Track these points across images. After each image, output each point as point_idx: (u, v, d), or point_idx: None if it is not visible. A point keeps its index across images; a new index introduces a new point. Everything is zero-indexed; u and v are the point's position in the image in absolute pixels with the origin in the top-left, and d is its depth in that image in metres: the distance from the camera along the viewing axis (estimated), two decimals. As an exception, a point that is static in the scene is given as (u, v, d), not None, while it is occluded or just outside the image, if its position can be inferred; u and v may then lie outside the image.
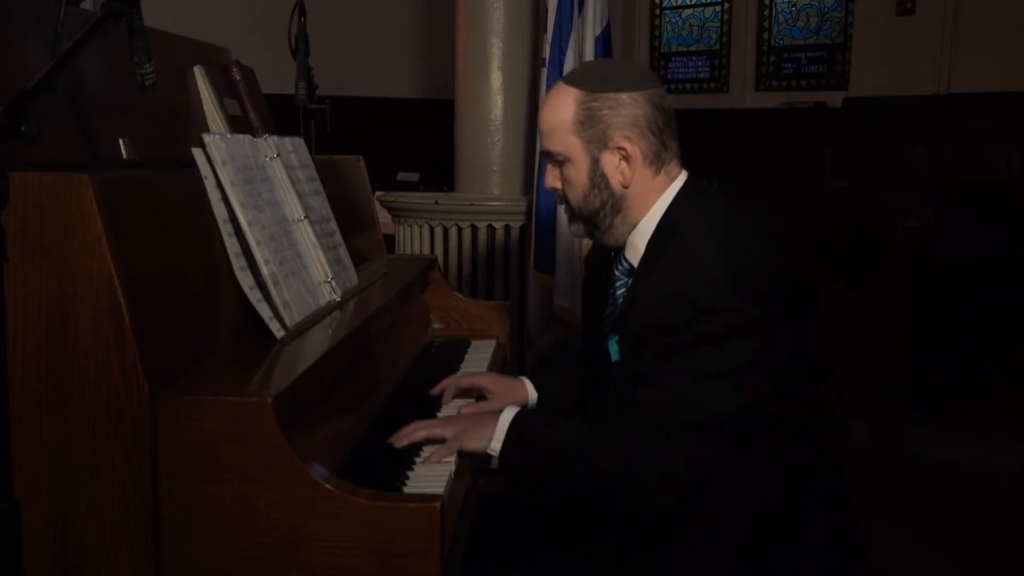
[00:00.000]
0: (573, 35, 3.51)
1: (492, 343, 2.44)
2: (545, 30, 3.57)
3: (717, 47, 7.59)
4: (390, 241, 3.55)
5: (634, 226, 1.70)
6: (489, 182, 3.95)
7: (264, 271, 1.60)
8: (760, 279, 1.58)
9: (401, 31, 7.42)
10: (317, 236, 1.86)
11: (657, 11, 7.90)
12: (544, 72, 3.57)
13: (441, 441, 1.64)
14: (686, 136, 1.73)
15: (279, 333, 1.60)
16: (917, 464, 3.89)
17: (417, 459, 1.60)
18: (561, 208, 1.83)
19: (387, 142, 6.64)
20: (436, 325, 2.56)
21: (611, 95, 1.64)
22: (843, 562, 1.66)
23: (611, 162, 1.66)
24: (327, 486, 1.29)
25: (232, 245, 1.57)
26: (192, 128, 2.10)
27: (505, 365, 2.39)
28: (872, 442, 4.14)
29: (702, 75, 7.63)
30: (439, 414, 1.86)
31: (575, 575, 1.66)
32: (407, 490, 1.49)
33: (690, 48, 7.73)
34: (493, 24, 3.85)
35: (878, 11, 6.53)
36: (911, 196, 4.30)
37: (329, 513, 1.29)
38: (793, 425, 1.62)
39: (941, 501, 3.50)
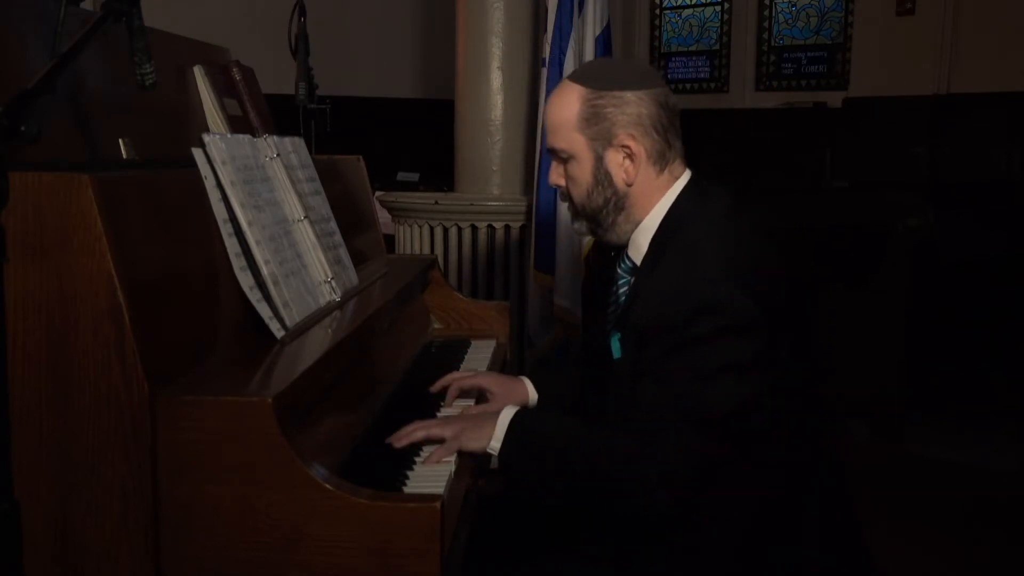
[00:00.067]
0: (573, 35, 3.51)
1: (492, 343, 2.44)
2: (545, 30, 3.57)
3: (717, 47, 7.59)
4: (390, 241, 3.55)
5: (637, 224, 1.70)
6: (489, 182, 3.95)
7: (264, 271, 1.60)
8: (762, 278, 1.59)
9: (401, 31, 7.42)
10: (317, 236, 1.86)
11: (657, 11, 7.90)
12: (544, 72, 3.57)
13: (441, 441, 1.64)
14: (686, 136, 1.73)
15: (279, 333, 1.60)
16: (917, 464, 3.89)
17: (417, 459, 1.60)
18: (564, 205, 1.83)
19: (387, 142, 6.64)
20: (436, 325, 2.56)
21: (616, 93, 1.65)
22: (843, 562, 1.66)
23: (615, 160, 1.67)
24: (327, 486, 1.29)
25: (232, 245, 1.57)
26: (192, 128, 2.10)
27: (505, 365, 2.39)
28: (872, 442, 4.14)
29: (702, 75, 7.63)
30: (439, 414, 1.86)
31: (575, 575, 1.66)
32: (407, 490, 1.49)
33: (690, 48, 7.73)
34: (493, 24, 3.85)
35: (878, 11, 6.53)
36: (911, 196, 4.30)
37: (329, 513, 1.29)
38: (793, 425, 1.62)
39: (941, 501, 3.50)
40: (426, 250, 3.92)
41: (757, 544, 1.60)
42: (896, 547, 2.95)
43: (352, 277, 2.02)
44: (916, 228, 4.08)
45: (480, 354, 2.34)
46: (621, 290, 1.75)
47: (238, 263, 1.57)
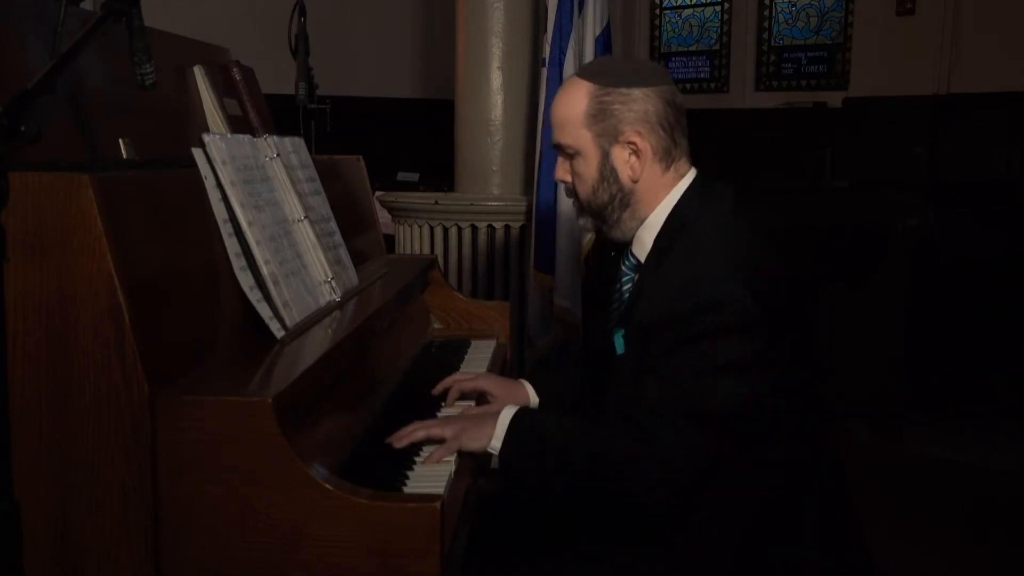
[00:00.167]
0: (573, 35, 3.51)
1: (492, 343, 2.44)
2: (545, 30, 3.57)
3: (717, 47, 7.59)
4: (390, 241, 3.55)
5: (642, 221, 1.71)
6: (489, 182, 3.95)
7: (264, 271, 1.60)
8: (764, 278, 1.59)
9: (401, 31, 7.42)
10: (317, 236, 1.86)
11: (657, 11, 7.90)
12: (544, 72, 3.57)
13: (441, 441, 1.64)
14: (686, 136, 1.73)
15: (279, 333, 1.60)
16: (917, 464, 3.89)
17: (417, 459, 1.60)
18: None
19: (387, 142, 6.65)
20: (436, 325, 2.56)
21: (623, 90, 1.65)
22: (843, 562, 1.66)
23: (621, 156, 1.67)
24: (327, 486, 1.29)
25: (232, 245, 1.57)
26: (192, 128, 2.10)
27: (505, 365, 2.39)
28: (872, 442, 4.14)
29: (702, 75, 7.63)
30: (440, 415, 1.86)
31: (575, 575, 1.66)
32: (407, 490, 1.49)
33: (690, 48, 7.73)
34: (493, 24, 3.85)
35: (878, 11, 6.53)
36: (911, 196, 4.30)
37: (329, 513, 1.29)
38: (793, 425, 1.62)
39: (941, 501, 3.50)
40: (426, 250, 3.91)
41: (757, 544, 1.60)
42: (896, 547, 2.95)
43: (352, 277, 2.02)
44: (916, 228, 4.08)
45: (480, 354, 2.34)
46: (625, 287, 1.75)
47: (238, 263, 1.57)
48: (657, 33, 7.91)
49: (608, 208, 1.71)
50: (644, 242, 1.71)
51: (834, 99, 6.79)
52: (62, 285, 1.28)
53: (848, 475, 1.72)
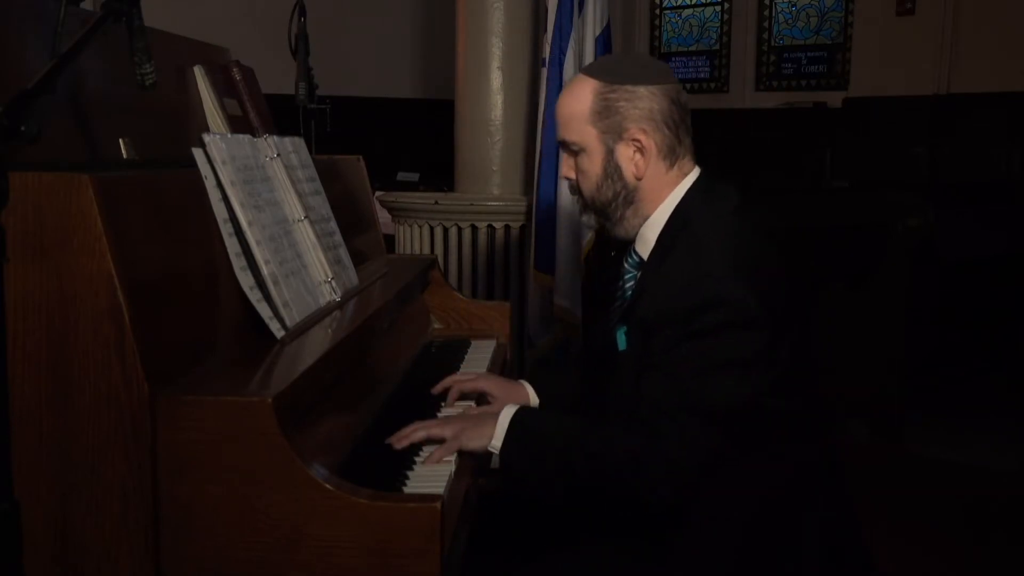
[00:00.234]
0: (573, 35, 3.51)
1: (492, 343, 2.44)
2: (545, 30, 3.57)
3: (717, 47, 7.59)
4: (390, 241, 3.55)
5: (645, 219, 1.71)
6: (489, 182, 3.95)
7: (264, 271, 1.60)
8: (766, 277, 1.59)
9: (401, 31, 7.42)
10: (317, 236, 1.86)
11: (657, 11, 7.90)
12: (544, 72, 3.57)
13: (441, 441, 1.64)
14: (686, 136, 1.73)
15: (279, 333, 1.60)
16: (917, 464, 3.89)
17: (417, 459, 1.60)
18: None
19: (387, 142, 6.65)
20: (436, 325, 2.56)
21: (629, 87, 1.66)
22: (843, 562, 1.66)
23: (625, 154, 1.67)
24: (327, 486, 1.29)
25: (232, 245, 1.57)
26: (192, 128, 2.10)
27: (505, 365, 2.39)
28: (872, 442, 4.14)
29: (702, 75, 7.63)
30: (440, 414, 1.86)
31: (575, 575, 1.66)
32: (407, 490, 1.49)
33: (690, 48, 7.73)
34: (493, 24, 3.85)
35: (878, 11, 6.53)
36: (911, 196, 4.30)
37: (329, 513, 1.29)
38: (793, 425, 1.62)
39: (941, 501, 3.50)
40: (426, 250, 3.91)
41: (757, 544, 1.60)
42: (896, 547, 2.95)
43: (352, 277, 2.02)
44: (916, 228, 4.08)
45: (480, 354, 2.34)
46: (627, 284, 1.75)
47: (238, 263, 1.57)
48: (657, 33, 7.91)
49: (612, 205, 1.71)
50: (647, 240, 1.71)
51: (834, 99, 6.79)
52: (62, 285, 1.28)
53: (848, 475, 1.72)
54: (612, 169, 1.69)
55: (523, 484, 1.67)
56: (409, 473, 1.55)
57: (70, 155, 1.65)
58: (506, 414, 1.65)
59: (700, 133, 1.75)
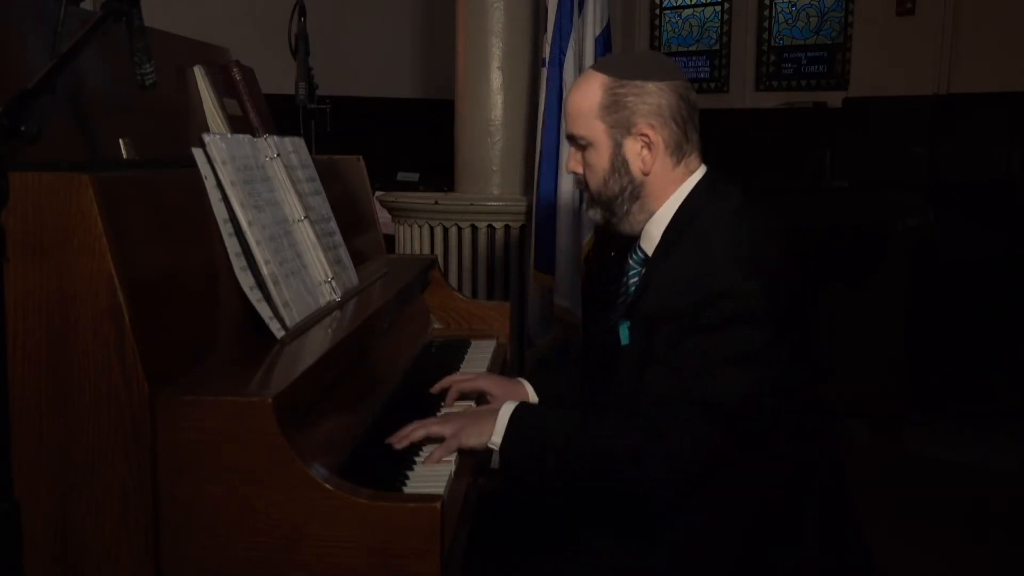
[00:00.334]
0: (573, 35, 3.51)
1: (492, 343, 2.44)
2: (545, 30, 3.57)
3: (717, 47, 7.60)
4: (390, 241, 3.55)
5: (651, 215, 1.71)
6: (489, 182, 3.95)
7: (264, 271, 1.60)
8: (771, 274, 1.59)
9: (401, 31, 7.42)
10: (317, 236, 1.86)
11: (657, 11, 7.90)
12: (544, 72, 3.57)
13: (440, 440, 1.64)
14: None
15: (279, 333, 1.60)
16: (917, 464, 3.89)
17: (417, 459, 1.60)
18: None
19: (387, 142, 6.65)
20: (436, 325, 2.56)
21: (638, 83, 1.66)
22: (843, 562, 1.66)
23: (633, 148, 1.68)
24: (327, 486, 1.29)
25: (232, 245, 1.57)
26: (192, 128, 2.10)
27: (505, 365, 2.39)
28: (872, 442, 4.14)
29: (702, 75, 7.63)
30: (439, 414, 1.85)
31: (575, 575, 1.66)
32: (407, 490, 1.49)
33: (690, 48, 7.74)
34: (493, 24, 3.85)
35: (878, 11, 6.53)
36: (911, 196, 4.30)
37: (329, 513, 1.29)
38: (794, 425, 1.62)
39: (941, 501, 3.50)
40: (426, 250, 3.91)
41: (757, 544, 1.60)
42: (896, 547, 2.95)
43: (352, 277, 2.02)
44: (916, 228, 4.08)
45: (480, 354, 2.34)
46: (632, 280, 1.76)
47: (238, 263, 1.57)
48: (657, 33, 7.91)
49: (618, 200, 1.71)
50: (652, 236, 1.71)
51: (834, 99, 6.79)
52: (62, 285, 1.28)
53: (848, 475, 1.72)
54: (619, 164, 1.69)
55: (523, 481, 1.67)
56: (409, 473, 1.55)
57: (70, 155, 1.65)
58: (505, 410, 1.64)
59: (700, 133, 1.76)
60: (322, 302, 1.81)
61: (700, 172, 1.72)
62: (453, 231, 3.87)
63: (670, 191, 1.70)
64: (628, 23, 7.81)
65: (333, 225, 2.00)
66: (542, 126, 3.57)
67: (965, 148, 6.07)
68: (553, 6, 3.51)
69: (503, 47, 3.86)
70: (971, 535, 3.22)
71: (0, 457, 1.13)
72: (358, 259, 2.16)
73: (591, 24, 3.54)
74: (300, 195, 1.85)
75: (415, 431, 1.65)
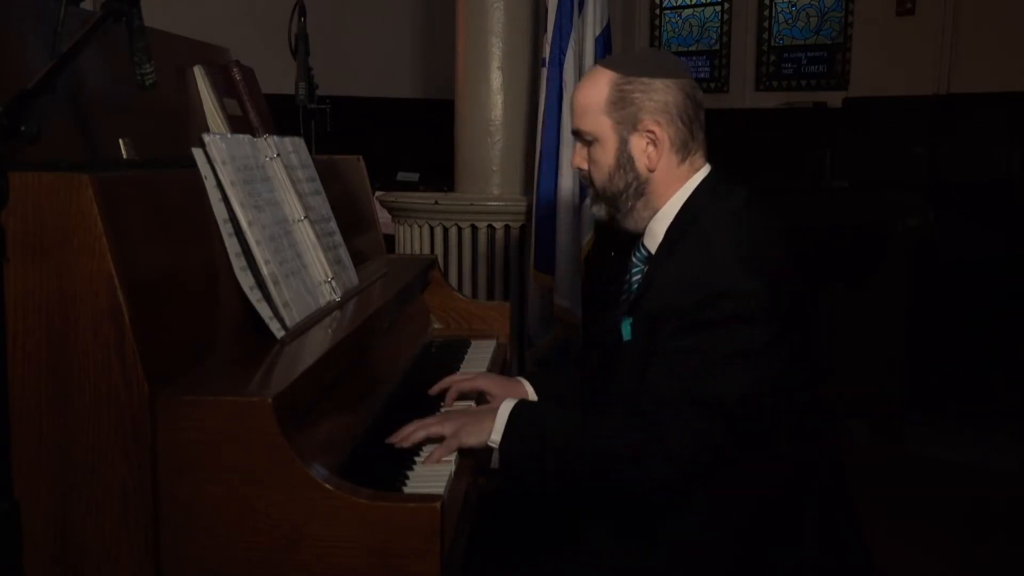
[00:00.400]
0: (573, 35, 3.51)
1: (492, 343, 2.44)
2: (545, 30, 3.57)
3: (717, 47, 7.60)
4: (390, 241, 3.55)
5: (655, 212, 1.72)
6: (489, 182, 3.95)
7: (264, 271, 1.60)
8: (774, 273, 1.59)
9: (401, 31, 7.42)
10: (317, 236, 1.86)
11: (657, 11, 7.90)
12: (544, 72, 3.57)
13: (440, 439, 1.64)
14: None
15: (279, 333, 1.60)
16: (917, 464, 3.89)
17: (417, 459, 1.60)
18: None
19: (387, 142, 6.65)
20: (436, 325, 2.56)
21: (645, 79, 1.67)
22: (843, 562, 1.66)
23: (639, 145, 1.68)
24: (327, 486, 1.29)
25: (232, 245, 1.57)
26: (192, 128, 2.10)
27: (505, 365, 2.39)
28: (872, 442, 4.14)
29: (702, 75, 7.63)
30: (439, 414, 1.85)
31: (575, 575, 1.66)
32: (407, 490, 1.49)
33: (690, 48, 7.73)
34: (493, 24, 3.85)
35: (878, 11, 6.53)
36: (911, 196, 4.30)
37: (329, 513, 1.29)
38: (794, 424, 1.62)
39: (941, 501, 3.50)
40: (426, 250, 3.91)
41: (757, 544, 1.60)
42: (896, 547, 2.95)
43: (352, 277, 2.02)
44: (916, 228, 4.08)
45: (480, 354, 2.34)
46: (635, 278, 1.76)
47: (238, 263, 1.57)
48: (657, 33, 7.91)
49: (623, 196, 1.72)
50: (656, 234, 1.72)
51: (834, 99, 6.79)
52: (62, 285, 1.28)
53: (848, 475, 1.72)
54: (625, 160, 1.70)
55: (523, 478, 1.67)
56: (409, 473, 1.55)
57: (70, 155, 1.65)
58: (505, 408, 1.65)
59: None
60: (322, 302, 1.81)
61: (705, 171, 1.73)
62: (453, 231, 3.87)
63: (674, 189, 1.71)
64: (628, 23, 7.81)
65: (333, 225, 2.00)
66: (542, 126, 3.56)
67: (965, 148, 6.07)
68: (553, 6, 3.51)
69: (503, 47, 3.86)
70: (971, 535, 3.21)
71: (0, 457, 1.13)
72: (358, 259, 2.16)
73: (591, 24, 3.54)
74: (300, 195, 1.85)
75: (415, 431, 1.65)
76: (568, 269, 3.52)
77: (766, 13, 7.29)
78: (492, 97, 3.89)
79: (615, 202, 1.74)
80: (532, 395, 1.97)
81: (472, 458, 1.66)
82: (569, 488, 1.61)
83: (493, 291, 3.87)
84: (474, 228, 3.85)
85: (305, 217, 1.83)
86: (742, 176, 1.75)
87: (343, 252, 2.01)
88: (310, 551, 1.29)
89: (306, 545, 1.29)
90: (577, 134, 1.75)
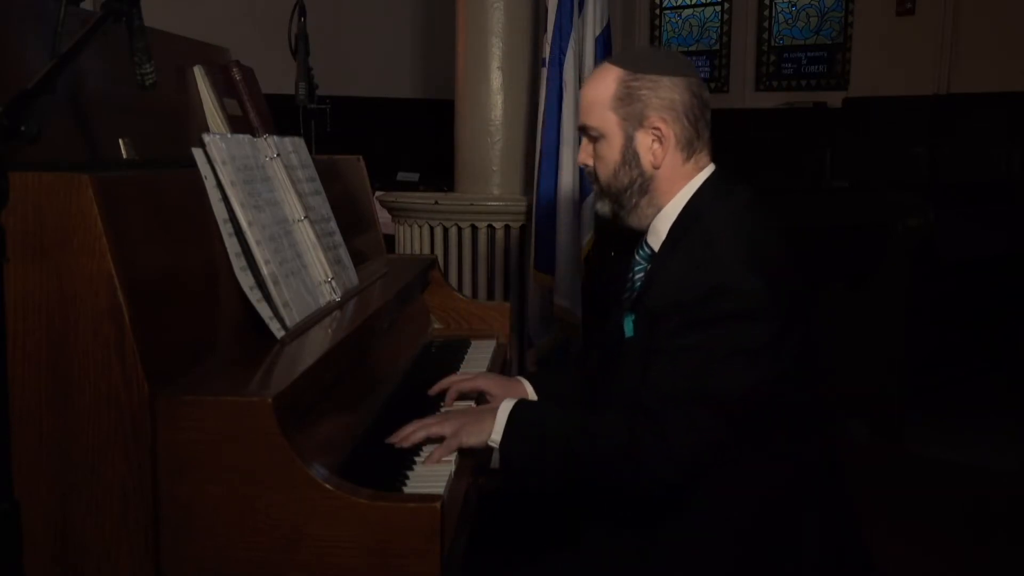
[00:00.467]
0: (573, 35, 3.51)
1: (492, 343, 2.44)
2: (545, 30, 3.57)
3: (717, 47, 7.60)
4: (390, 241, 3.55)
5: (659, 209, 1.72)
6: (489, 182, 3.95)
7: (264, 271, 1.60)
8: (777, 271, 1.60)
9: (401, 31, 7.42)
10: (317, 236, 1.86)
11: (657, 11, 7.90)
12: (544, 72, 3.57)
13: (441, 439, 1.64)
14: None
15: (279, 333, 1.60)
16: (917, 464, 3.89)
17: (417, 459, 1.60)
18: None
19: (387, 142, 6.65)
20: (436, 325, 2.56)
21: (653, 77, 1.67)
22: (843, 562, 1.66)
23: (644, 142, 1.69)
24: (327, 486, 1.29)
25: (232, 245, 1.57)
26: (192, 128, 2.10)
27: (505, 365, 2.39)
28: (872, 442, 4.14)
29: (702, 75, 7.61)
30: (439, 413, 1.85)
31: (575, 575, 1.66)
32: (407, 490, 1.49)
33: (690, 48, 7.73)
34: (493, 24, 3.85)
35: (878, 11, 6.53)
36: (911, 196, 4.30)
37: (329, 513, 1.29)
38: (794, 424, 1.62)
39: (941, 501, 3.50)
40: (426, 250, 3.91)
41: (757, 543, 1.60)
42: (896, 547, 2.95)
43: (352, 277, 2.02)
44: (916, 228, 4.08)
45: (480, 354, 2.34)
46: (637, 276, 1.76)
47: (238, 263, 1.57)
48: (657, 33, 7.91)
49: (627, 192, 1.72)
50: (659, 232, 1.72)
51: (834, 99, 6.79)
52: (62, 285, 1.28)
53: (848, 475, 1.72)
54: (630, 156, 1.70)
55: (523, 478, 1.67)
56: (409, 473, 1.55)
57: (70, 155, 1.65)
58: (504, 407, 1.65)
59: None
60: (322, 302, 1.81)
61: (709, 170, 1.73)
62: (453, 231, 3.87)
63: (679, 186, 1.71)
64: (628, 23, 7.81)
65: (333, 225, 2.00)
66: (542, 126, 3.56)
67: (965, 148, 6.07)
68: (553, 6, 3.51)
69: (503, 47, 3.86)
70: (971, 535, 3.21)
71: (0, 457, 1.13)
72: (358, 259, 2.16)
73: (591, 24, 3.54)
74: (300, 195, 1.85)
75: (415, 431, 1.65)
76: (568, 269, 3.52)
77: (766, 13, 7.29)
78: (492, 97, 3.89)
79: (619, 199, 1.74)
80: (532, 395, 1.97)
81: (472, 458, 1.66)
82: (569, 487, 1.61)
83: (493, 291, 3.87)
84: (474, 228, 3.85)
85: (305, 217, 1.83)
86: (742, 176, 1.75)
87: (343, 252, 2.01)
88: (310, 551, 1.29)
89: (306, 545, 1.29)
90: (583, 130, 1.76)
